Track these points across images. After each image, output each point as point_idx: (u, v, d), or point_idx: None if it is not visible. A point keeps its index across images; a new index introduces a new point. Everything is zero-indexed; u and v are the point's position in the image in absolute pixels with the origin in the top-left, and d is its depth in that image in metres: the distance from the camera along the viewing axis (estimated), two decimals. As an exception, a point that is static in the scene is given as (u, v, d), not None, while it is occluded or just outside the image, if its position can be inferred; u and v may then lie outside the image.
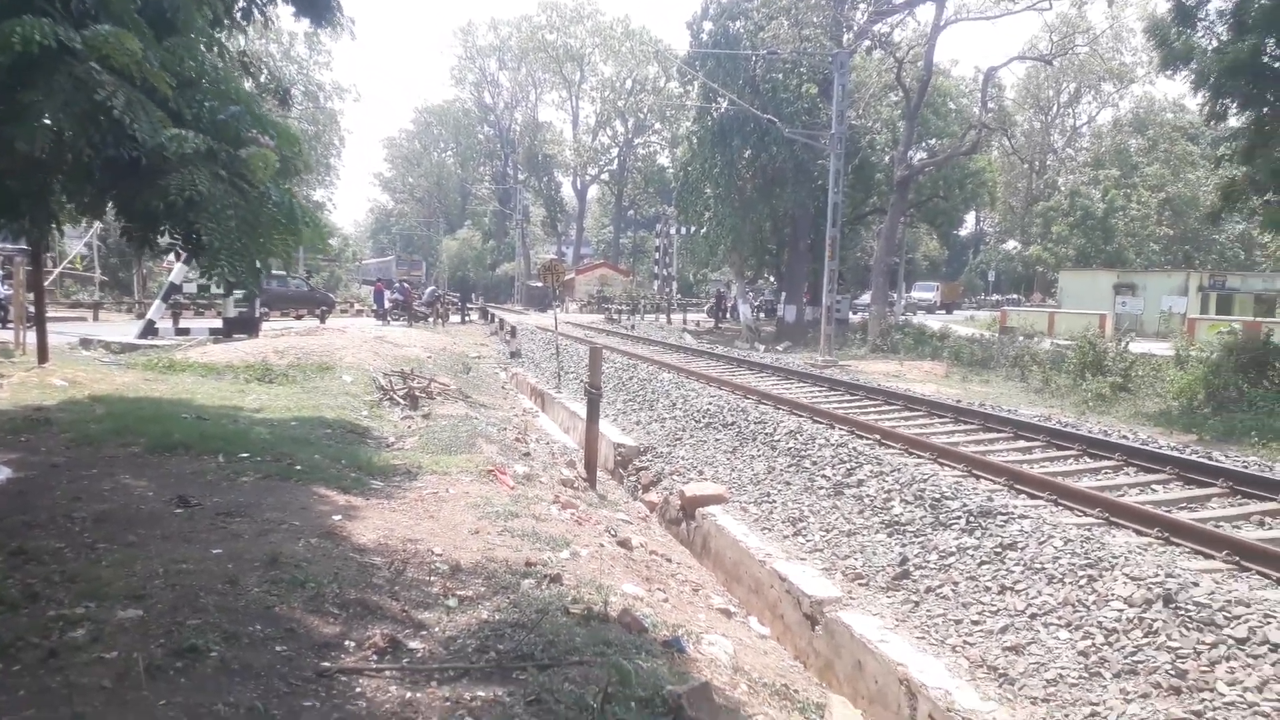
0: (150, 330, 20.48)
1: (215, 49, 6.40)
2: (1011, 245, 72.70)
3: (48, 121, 4.52)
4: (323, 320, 31.57)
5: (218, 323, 22.61)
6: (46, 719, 3.04)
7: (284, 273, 32.49)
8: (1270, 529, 7.24)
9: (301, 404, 11.74)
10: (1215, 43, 17.39)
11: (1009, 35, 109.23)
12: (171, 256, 29.29)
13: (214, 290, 24.12)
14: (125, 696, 3.21)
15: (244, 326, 21.90)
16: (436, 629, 4.28)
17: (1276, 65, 16.54)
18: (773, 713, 4.61)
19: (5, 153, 4.60)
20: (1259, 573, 6.04)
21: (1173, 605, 5.39)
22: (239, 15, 7.39)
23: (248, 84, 10.50)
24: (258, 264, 5.79)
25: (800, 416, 12.45)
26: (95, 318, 28.31)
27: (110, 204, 6.07)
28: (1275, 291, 36.04)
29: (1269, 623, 5.00)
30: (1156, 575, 5.73)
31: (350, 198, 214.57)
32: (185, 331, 21.53)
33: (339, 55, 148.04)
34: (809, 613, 6.75)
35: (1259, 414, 14.72)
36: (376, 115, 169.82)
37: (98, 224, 31.66)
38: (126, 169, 5.11)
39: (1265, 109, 16.57)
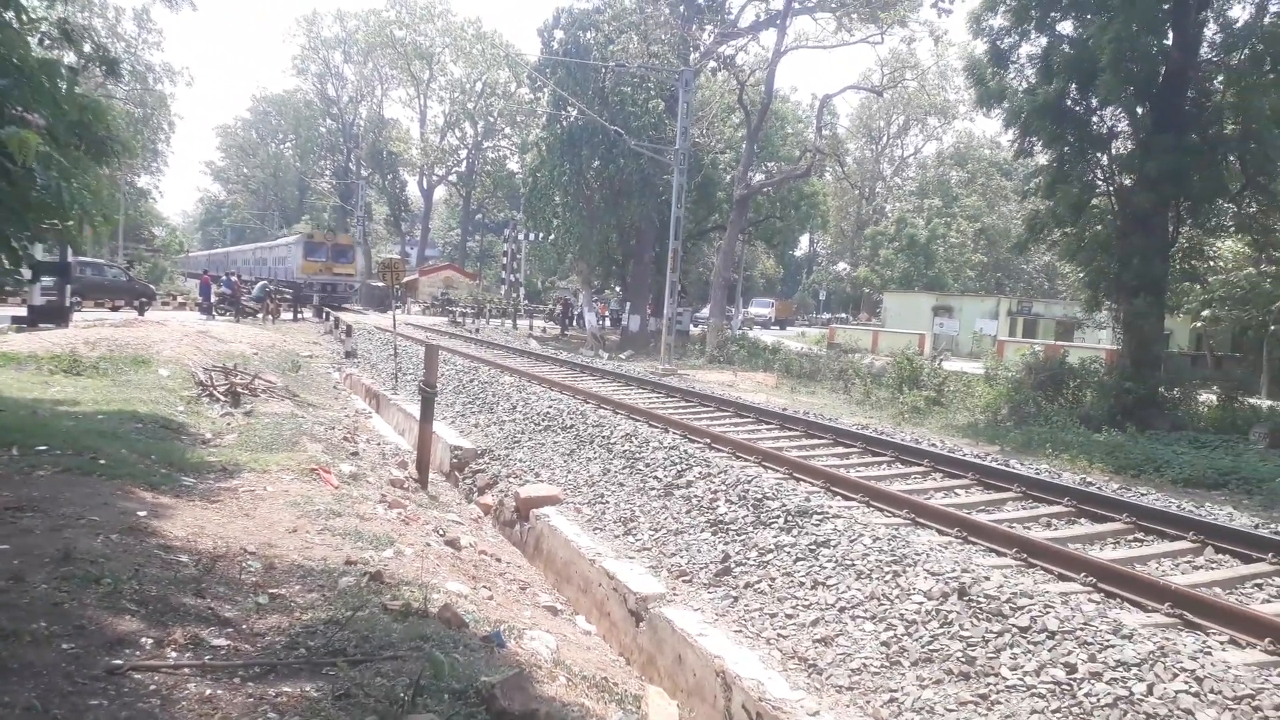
0: (-62, 317, 18.67)
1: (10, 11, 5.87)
2: (842, 266, 76.45)
3: None
4: (141, 312, 29.57)
5: (22, 310, 20.84)
6: None
7: (100, 260, 30.28)
8: (1055, 529, 7.95)
9: (111, 397, 11.00)
10: (1025, 84, 18.86)
11: (845, 67, 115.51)
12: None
13: (19, 276, 22.26)
14: (-122, 701, 2.93)
15: (52, 316, 20.25)
16: (244, 626, 4.10)
17: (1077, 109, 18.12)
18: (589, 704, 4.66)
19: None
20: (1043, 568, 6.64)
21: (966, 598, 5.78)
22: None
23: (70, 55, 9.70)
24: (17, 248, 5.42)
25: (637, 420, 12.65)
26: None
27: None
28: (1073, 317, 39.30)
29: (1048, 613, 5.44)
30: (953, 570, 6.15)
31: (179, 186, 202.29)
32: (-18, 319, 19.73)
33: (171, 35, 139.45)
34: (634, 609, 6.86)
35: (1053, 427, 16.05)
36: (211, 101, 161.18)
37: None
38: None
39: (1065, 148, 18.11)
